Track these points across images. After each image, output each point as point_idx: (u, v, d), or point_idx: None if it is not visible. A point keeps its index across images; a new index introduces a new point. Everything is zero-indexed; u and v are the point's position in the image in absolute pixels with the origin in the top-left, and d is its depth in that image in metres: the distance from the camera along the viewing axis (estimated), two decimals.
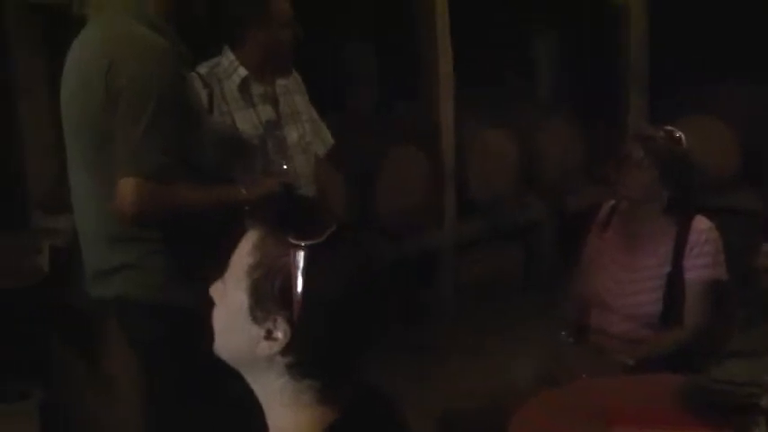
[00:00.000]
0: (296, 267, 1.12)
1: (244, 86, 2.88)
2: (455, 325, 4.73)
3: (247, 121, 2.86)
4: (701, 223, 2.68)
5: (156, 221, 2.18)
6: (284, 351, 1.14)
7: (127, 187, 2.07)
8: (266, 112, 2.90)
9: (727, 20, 5.05)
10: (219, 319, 1.22)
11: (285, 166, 2.73)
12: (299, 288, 1.12)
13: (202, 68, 2.86)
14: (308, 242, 1.13)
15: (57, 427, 3.09)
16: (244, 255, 1.17)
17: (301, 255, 1.12)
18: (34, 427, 3.02)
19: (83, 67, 2.19)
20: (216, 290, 1.22)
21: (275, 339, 1.14)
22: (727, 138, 4.93)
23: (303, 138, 2.99)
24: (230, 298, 1.18)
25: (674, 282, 2.65)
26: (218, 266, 1.22)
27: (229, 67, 2.88)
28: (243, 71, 2.87)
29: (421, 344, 4.37)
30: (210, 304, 1.23)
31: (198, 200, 2.21)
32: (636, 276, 2.71)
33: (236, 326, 1.17)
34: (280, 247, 1.14)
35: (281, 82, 2.97)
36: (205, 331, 1.24)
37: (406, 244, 4.44)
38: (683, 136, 2.70)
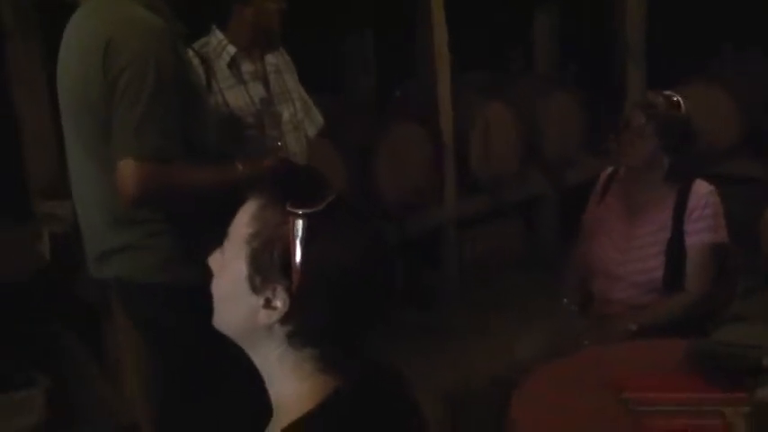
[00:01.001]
0: (295, 236, 1.11)
1: (233, 64, 2.88)
2: (459, 304, 4.72)
3: (239, 99, 2.86)
4: (702, 187, 2.68)
5: (156, 203, 2.18)
6: (283, 320, 1.14)
7: (127, 169, 2.06)
8: (257, 89, 2.89)
9: None
10: (218, 288, 1.21)
11: (280, 143, 2.73)
12: (298, 257, 1.11)
13: (195, 46, 2.85)
14: (307, 211, 1.12)
15: (64, 413, 3.09)
16: (242, 224, 1.16)
17: (300, 223, 1.11)
18: (41, 414, 3.02)
19: (81, 49, 2.18)
20: (214, 260, 1.22)
21: (274, 308, 1.13)
22: (727, 105, 4.90)
23: (294, 116, 2.99)
24: (229, 268, 1.17)
25: (676, 247, 2.65)
26: (220, 243, 1.22)
27: (218, 46, 2.88)
28: (232, 49, 2.87)
29: (426, 324, 4.36)
30: (211, 276, 1.22)
31: (197, 179, 2.20)
32: (638, 243, 2.71)
33: (235, 295, 1.17)
34: (278, 216, 1.13)
35: (270, 60, 2.96)
36: (209, 310, 1.23)
37: (408, 225, 4.43)
38: (681, 100, 2.69)
